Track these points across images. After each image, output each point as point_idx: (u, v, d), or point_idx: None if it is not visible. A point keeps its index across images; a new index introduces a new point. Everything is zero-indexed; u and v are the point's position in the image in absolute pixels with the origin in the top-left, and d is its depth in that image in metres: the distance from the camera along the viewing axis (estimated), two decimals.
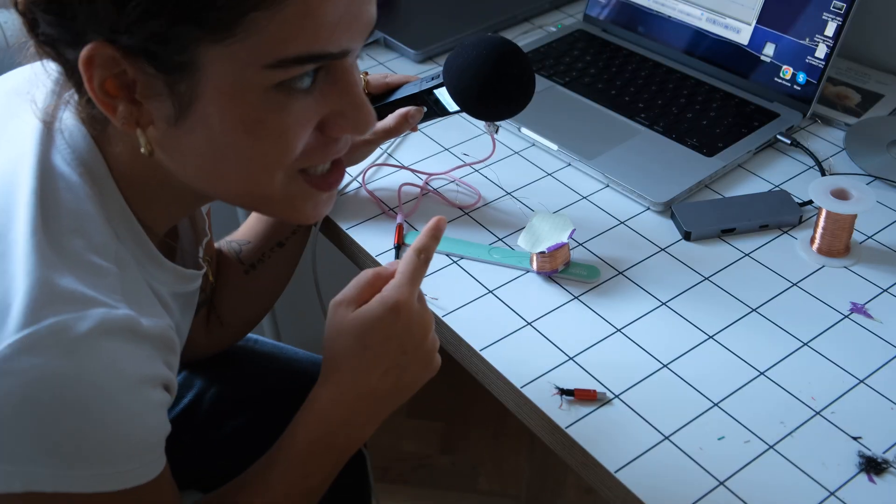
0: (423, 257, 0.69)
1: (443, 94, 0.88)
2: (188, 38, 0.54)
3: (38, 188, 0.60)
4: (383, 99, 0.94)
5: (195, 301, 0.83)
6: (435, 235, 0.70)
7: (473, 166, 1.02)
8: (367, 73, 0.94)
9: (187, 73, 0.55)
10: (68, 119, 0.65)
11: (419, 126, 0.97)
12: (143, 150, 0.60)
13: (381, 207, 0.97)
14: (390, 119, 0.91)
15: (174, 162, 0.62)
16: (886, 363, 0.77)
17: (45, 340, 0.55)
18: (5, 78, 0.74)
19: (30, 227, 0.58)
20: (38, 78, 0.67)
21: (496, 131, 0.97)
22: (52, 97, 0.66)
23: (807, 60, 1.04)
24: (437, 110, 0.91)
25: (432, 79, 0.89)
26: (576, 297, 0.85)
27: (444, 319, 0.83)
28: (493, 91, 0.84)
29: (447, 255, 0.90)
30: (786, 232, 0.92)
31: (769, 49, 1.07)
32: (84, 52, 0.55)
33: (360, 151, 0.92)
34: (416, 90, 0.91)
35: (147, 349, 0.61)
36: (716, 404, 0.74)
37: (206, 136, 0.59)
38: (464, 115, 1.11)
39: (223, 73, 0.55)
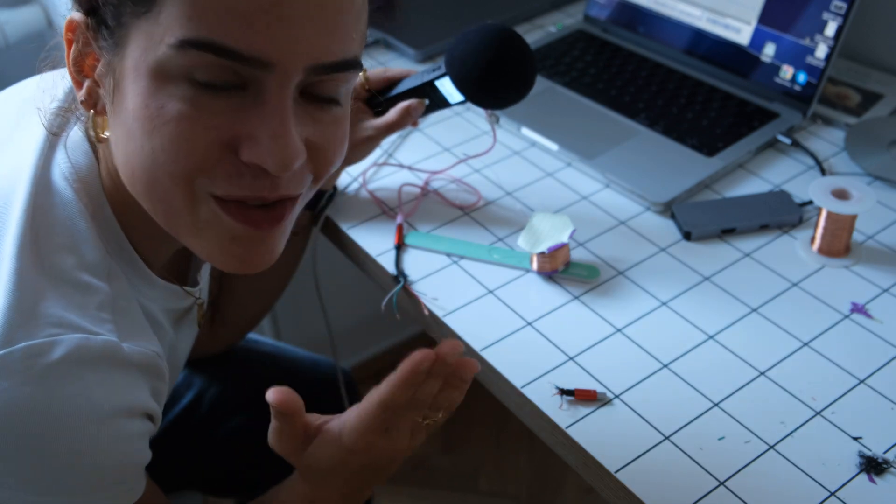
0: (394, 411, 0.65)
1: (444, 86, 0.88)
2: (122, 9, 0.54)
3: (30, 203, 0.60)
4: (384, 94, 0.94)
5: (193, 318, 0.82)
6: (408, 382, 0.63)
7: (473, 166, 1.02)
8: (366, 70, 0.94)
9: (120, 47, 0.55)
10: (75, 134, 0.65)
11: (420, 120, 0.96)
12: (91, 134, 0.60)
13: (381, 207, 0.96)
14: (392, 113, 0.91)
15: (115, 157, 0.61)
16: (886, 363, 0.77)
17: (17, 364, 0.53)
18: (21, 87, 0.74)
19: (16, 245, 0.57)
20: (51, 87, 0.67)
21: (497, 121, 0.97)
22: (61, 108, 0.66)
23: (807, 60, 1.04)
24: (439, 102, 0.91)
25: (434, 70, 0.89)
26: (576, 297, 0.85)
27: (444, 319, 0.83)
28: (496, 75, 0.84)
29: (447, 255, 0.90)
30: (786, 232, 0.92)
31: (769, 49, 1.07)
32: (66, 20, 0.57)
33: (361, 148, 0.92)
34: (417, 83, 0.91)
35: (127, 377, 0.60)
36: (716, 404, 0.74)
37: (124, 121, 0.56)
38: (464, 113, 1.11)
39: (141, 48, 0.54)
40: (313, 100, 0.58)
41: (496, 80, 0.85)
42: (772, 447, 0.71)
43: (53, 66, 0.67)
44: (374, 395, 0.64)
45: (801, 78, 1.05)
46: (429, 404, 0.66)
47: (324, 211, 0.95)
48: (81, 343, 0.56)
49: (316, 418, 0.68)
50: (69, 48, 0.58)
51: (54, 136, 0.65)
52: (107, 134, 0.60)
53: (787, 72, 1.06)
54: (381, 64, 1.23)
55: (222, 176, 0.56)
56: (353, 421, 0.65)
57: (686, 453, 0.70)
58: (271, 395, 0.63)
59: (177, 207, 0.58)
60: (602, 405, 0.74)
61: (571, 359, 0.79)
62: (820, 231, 0.87)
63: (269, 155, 0.55)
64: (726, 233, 0.91)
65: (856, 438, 0.71)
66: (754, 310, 0.83)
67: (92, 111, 0.60)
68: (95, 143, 0.64)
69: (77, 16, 0.57)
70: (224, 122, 0.55)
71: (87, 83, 0.59)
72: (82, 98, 0.59)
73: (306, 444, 0.67)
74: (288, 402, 0.63)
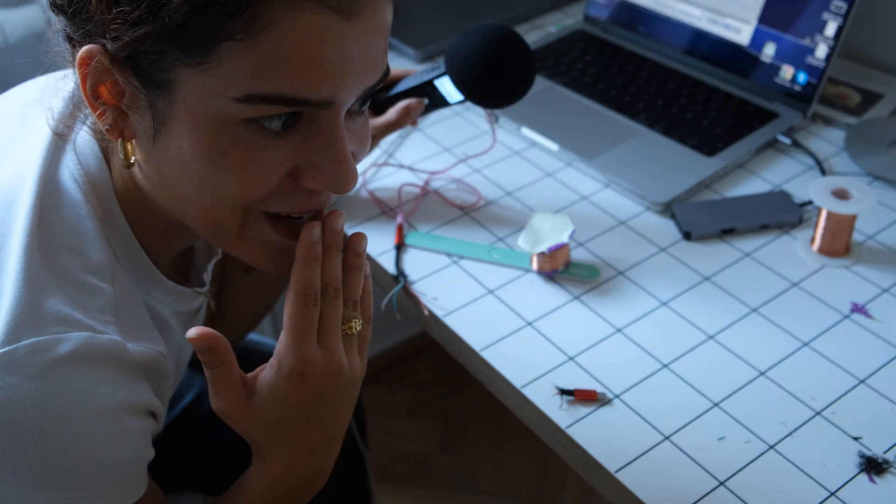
0: (312, 299, 0.62)
1: (443, 85, 0.88)
2: (168, 56, 0.53)
3: (37, 203, 0.60)
4: (383, 93, 0.94)
5: (201, 319, 0.82)
6: (308, 258, 0.62)
7: (473, 166, 1.02)
8: None
9: (166, 90, 0.55)
10: (83, 136, 0.65)
11: (420, 119, 0.96)
12: (122, 161, 0.60)
13: (381, 207, 0.97)
14: (392, 113, 0.91)
15: (148, 180, 0.62)
16: (886, 363, 0.77)
17: (22, 360, 0.54)
18: (23, 89, 0.74)
19: (23, 243, 0.58)
20: (55, 89, 0.67)
21: (496, 121, 0.97)
22: (67, 109, 0.66)
23: (807, 60, 1.04)
24: (439, 102, 0.91)
25: (433, 69, 0.89)
26: (576, 297, 0.85)
27: (444, 319, 0.83)
28: (496, 74, 0.84)
29: (447, 255, 0.90)
30: (786, 232, 0.92)
31: (769, 49, 1.07)
32: (80, 52, 0.55)
33: None
34: (416, 82, 0.91)
35: (131, 375, 0.60)
36: (716, 404, 0.74)
37: (176, 157, 0.57)
38: (464, 113, 1.11)
39: (196, 97, 0.54)
40: (350, 112, 0.60)
41: (495, 80, 0.85)
42: (772, 447, 0.71)
43: (57, 68, 0.67)
44: (288, 296, 0.62)
45: (801, 78, 1.05)
46: (342, 294, 0.64)
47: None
48: (87, 341, 0.56)
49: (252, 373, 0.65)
50: (84, 81, 0.57)
51: (60, 137, 0.65)
52: (133, 158, 0.60)
53: (787, 72, 1.06)
54: None
55: (278, 196, 0.59)
56: (282, 340, 0.63)
57: (686, 453, 0.70)
58: (193, 331, 0.61)
59: (228, 226, 0.60)
60: (602, 405, 0.74)
61: (571, 359, 0.79)
62: (820, 231, 0.87)
63: (333, 181, 0.58)
64: (726, 233, 0.91)
65: (856, 438, 0.71)
66: (754, 310, 0.83)
67: (120, 139, 0.59)
68: (107, 149, 0.64)
69: (94, 48, 0.55)
70: (286, 156, 0.57)
71: (111, 113, 0.58)
72: (107, 127, 0.58)
73: (249, 395, 0.63)
74: (210, 336, 0.61)
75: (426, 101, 0.91)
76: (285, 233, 0.62)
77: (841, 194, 0.86)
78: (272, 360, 0.64)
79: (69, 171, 0.63)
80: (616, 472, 0.69)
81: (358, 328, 0.66)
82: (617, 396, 0.75)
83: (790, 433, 0.72)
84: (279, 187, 0.58)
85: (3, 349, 0.54)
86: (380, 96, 0.94)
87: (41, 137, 0.64)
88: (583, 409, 0.74)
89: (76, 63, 0.56)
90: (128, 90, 0.57)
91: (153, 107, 0.56)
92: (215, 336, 0.61)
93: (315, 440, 0.66)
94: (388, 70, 0.60)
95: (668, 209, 0.94)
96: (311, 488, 0.69)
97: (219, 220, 0.60)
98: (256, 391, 0.63)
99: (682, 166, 0.99)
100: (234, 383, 0.63)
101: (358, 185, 1.00)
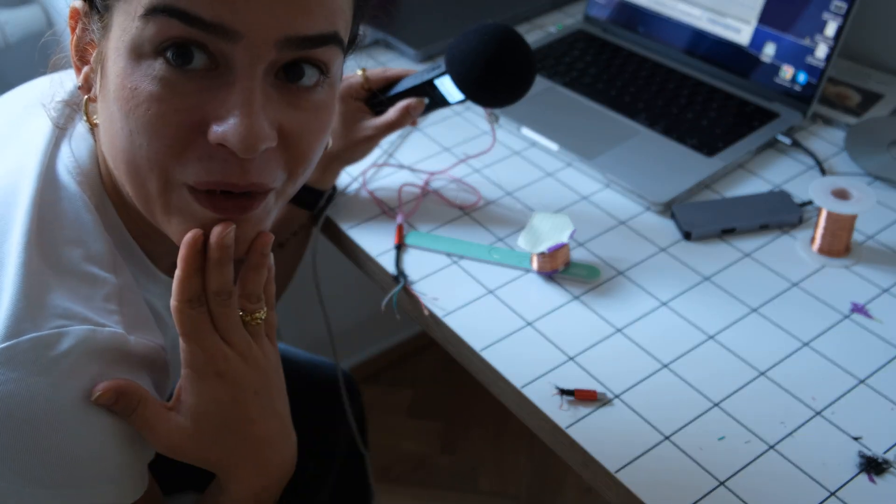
0: (198, 303, 0.58)
1: (444, 85, 0.88)
2: None
3: (36, 197, 0.60)
4: (383, 93, 0.94)
5: None
6: (189, 270, 0.58)
7: (473, 166, 1.02)
8: (365, 69, 0.94)
9: (106, 32, 0.56)
10: (80, 128, 0.65)
11: (420, 119, 0.96)
12: (85, 121, 0.61)
13: (381, 207, 0.97)
14: (392, 112, 0.91)
15: (102, 142, 0.61)
16: (886, 363, 0.77)
17: (24, 355, 0.54)
18: (30, 86, 0.74)
19: (23, 238, 0.58)
20: (60, 84, 0.68)
21: (496, 121, 0.97)
22: (66, 101, 0.67)
23: (807, 60, 1.04)
24: (439, 101, 0.91)
25: (433, 68, 0.89)
26: (576, 297, 0.85)
27: (444, 319, 0.83)
28: (496, 74, 0.84)
29: (447, 255, 0.90)
30: (786, 232, 0.92)
31: (769, 49, 1.07)
32: (70, 6, 0.58)
33: (361, 148, 0.92)
34: (417, 82, 0.91)
35: (133, 372, 0.59)
36: (716, 404, 0.74)
37: (107, 104, 0.56)
38: (464, 113, 1.11)
39: (120, 29, 0.54)
40: (292, 83, 0.56)
41: (496, 79, 0.85)
42: (772, 447, 0.71)
43: (63, 66, 0.67)
44: (173, 305, 0.59)
45: (801, 78, 1.05)
46: (241, 291, 0.60)
47: (324, 211, 0.95)
48: (88, 335, 0.56)
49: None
50: (72, 36, 0.59)
51: (61, 130, 0.65)
52: (98, 119, 0.61)
53: (787, 72, 1.06)
54: (381, 64, 1.23)
55: (193, 160, 0.55)
56: (183, 348, 0.60)
57: (686, 453, 0.70)
58: (98, 388, 0.56)
59: (153, 193, 0.57)
60: (602, 405, 0.74)
61: (571, 359, 0.79)
62: (820, 231, 0.87)
63: (232, 133, 0.53)
64: (726, 233, 0.91)
65: (856, 438, 0.71)
66: (754, 310, 0.83)
67: (87, 97, 0.61)
68: (94, 134, 0.64)
69: (78, 3, 0.58)
70: (194, 102, 0.54)
71: (85, 69, 0.60)
72: (80, 83, 0.60)
73: (184, 416, 0.60)
74: (115, 386, 0.56)
75: (426, 100, 0.91)
76: (205, 203, 0.57)
77: (841, 194, 0.86)
78: (183, 372, 0.61)
79: (64, 163, 0.63)
80: (616, 472, 0.69)
81: (263, 317, 0.63)
82: (617, 396, 0.75)
83: (790, 433, 0.72)
84: (191, 146, 0.55)
85: (4, 344, 0.54)
86: (379, 96, 0.94)
87: (43, 132, 0.65)
88: (583, 409, 0.74)
89: (69, 17, 0.59)
90: (96, 46, 0.58)
91: (101, 54, 0.57)
92: (118, 383, 0.57)
93: (265, 433, 0.64)
94: (334, 35, 0.56)
95: (668, 209, 0.95)
96: (285, 477, 0.68)
97: (144, 182, 0.57)
98: (185, 407, 0.60)
99: (682, 166, 0.99)
100: (162, 415, 0.60)
101: (358, 185, 1.00)
